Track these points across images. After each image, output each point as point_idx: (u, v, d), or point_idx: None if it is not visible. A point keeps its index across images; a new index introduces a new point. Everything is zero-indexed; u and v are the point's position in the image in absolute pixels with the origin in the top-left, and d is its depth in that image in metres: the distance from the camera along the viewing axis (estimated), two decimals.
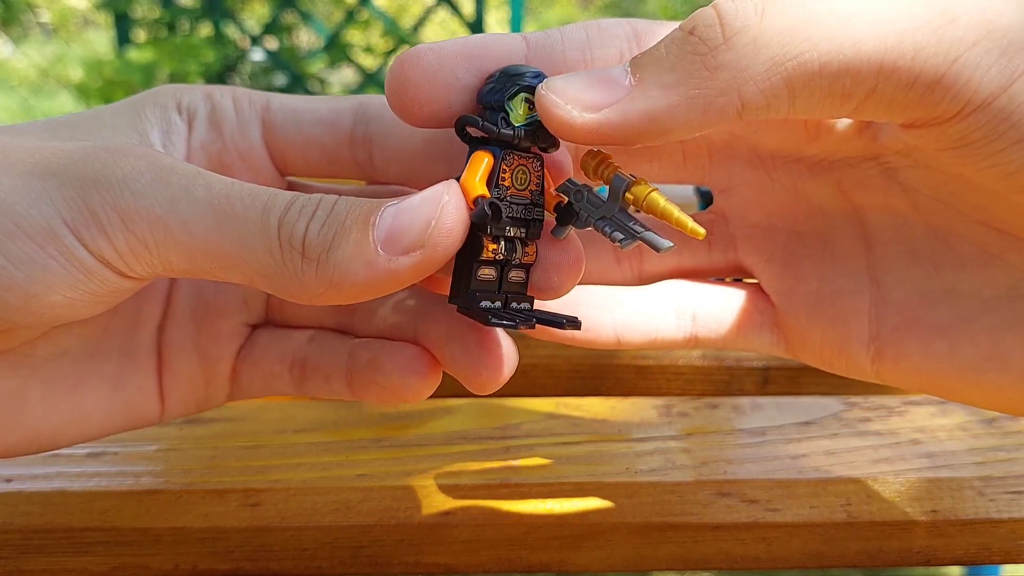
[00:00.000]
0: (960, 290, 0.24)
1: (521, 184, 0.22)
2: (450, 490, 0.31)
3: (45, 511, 0.30)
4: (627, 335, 0.26)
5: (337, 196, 0.20)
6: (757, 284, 0.27)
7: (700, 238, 0.19)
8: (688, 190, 0.41)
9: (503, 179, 0.21)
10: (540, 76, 0.21)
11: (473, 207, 0.20)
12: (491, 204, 0.20)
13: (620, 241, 0.21)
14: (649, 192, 0.20)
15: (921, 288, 0.24)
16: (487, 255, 0.21)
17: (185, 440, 0.33)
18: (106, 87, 2.37)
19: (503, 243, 0.22)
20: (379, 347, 0.25)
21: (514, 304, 0.22)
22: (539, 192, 0.22)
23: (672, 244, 0.20)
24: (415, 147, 0.25)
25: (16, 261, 0.19)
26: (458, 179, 0.21)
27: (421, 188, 0.21)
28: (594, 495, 0.31)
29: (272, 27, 2.55)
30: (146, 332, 0.26)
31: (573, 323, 0.23)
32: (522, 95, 0.21)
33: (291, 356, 0.26)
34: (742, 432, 0.34)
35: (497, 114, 0.21)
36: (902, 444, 0.33)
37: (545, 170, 0.22)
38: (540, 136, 0.21)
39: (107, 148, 0.20)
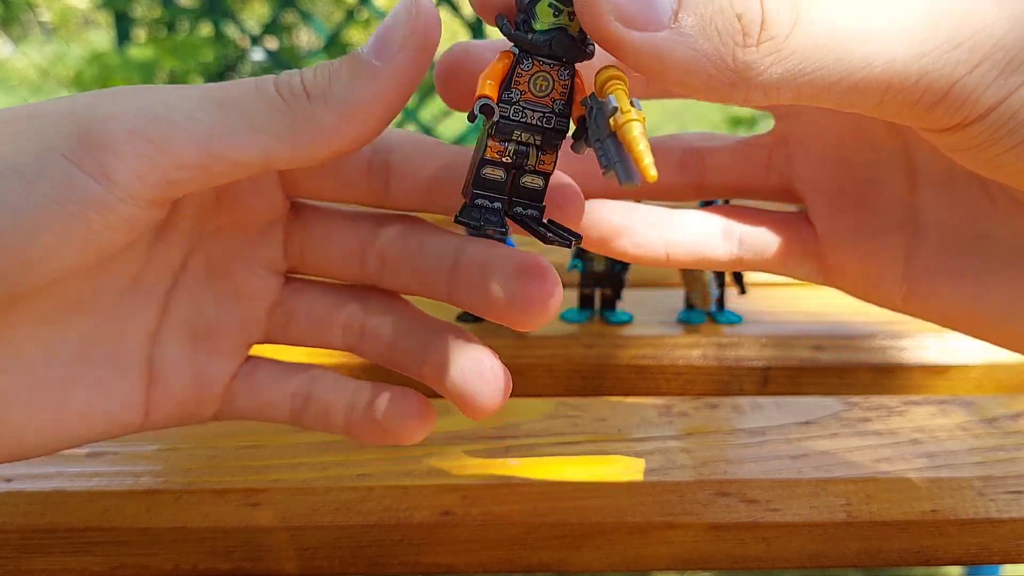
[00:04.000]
0: (994, 237, 0.25)
1: (540, 91, 0.22)
2: (450, 490, 0.31)
3: (45, 511, 0.30)
4: (676, 251, 0.27)
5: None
6: (804, 213, 0.28)
7: (650, 180, 0.19)
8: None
9: (517, 82, 0.22)
10: None
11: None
12: (483, 106, 0.21)
13: (602, 168, 0.21)
14: (626, 121, 0.20)
15: (957, 232, 0.25)
16: (491, 154, 0.22)
17: (185, 440, 0.33)
18: (103, 79, 2.36)
19: (511, 146, 0.22)
20: (380, 390, 0.26)
21: (518, 208, 0.23)
22: (564, 102, 0.22)
23: (636, 182, 0.20)
24: (432, 176, 0.25)
25: (3, 204, 0.19)
26: None
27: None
28: (594, 495, 0.31)
29: (272, 27, 2.55)
30: (136, 341, 0.25)
31: (573, 236, 0.23)
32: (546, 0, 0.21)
33: (293, 389, 0.27)
34: (742, 432, 0.34)
35: (522, 16, 0.21)
36: (902, 444, 0.33)
37: (577, 80, 0.22)
38: (560, 45, 0.21)
39: (98, 93, 0.21)
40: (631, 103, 0.19)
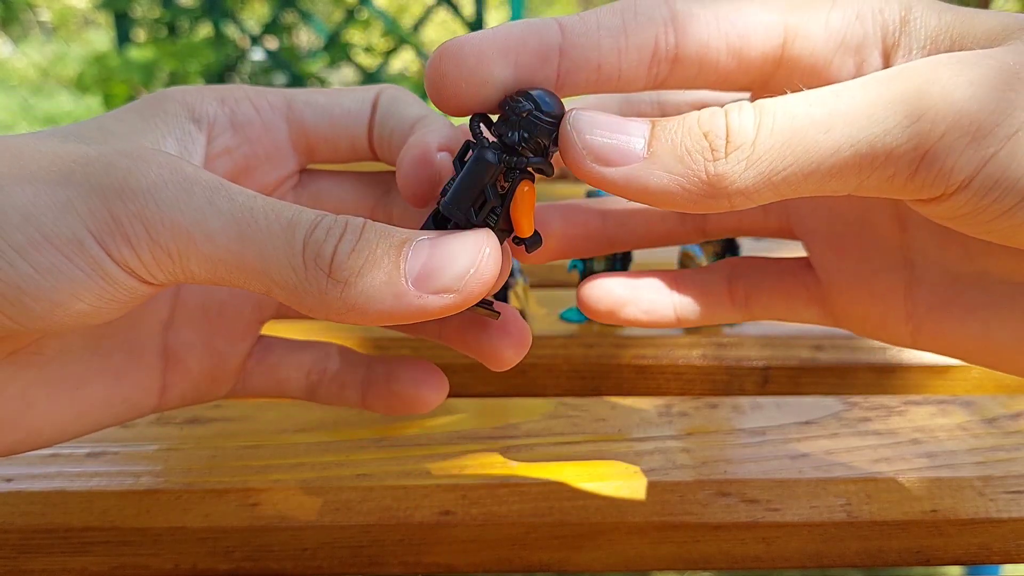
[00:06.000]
0: (992, 274, 0.24)
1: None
2: (450, 490, 0.31)
3: (45, 511, 0.30)
4: (684, 312, 0.29)
5: (364, 220, 0.21)
6: (807, 259, 0.29)
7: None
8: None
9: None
10: (556, 122, 0.21)
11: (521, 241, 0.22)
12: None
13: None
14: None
15: (953, 270, 0.25)
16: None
17: (185, 440, 0.33)
18: (103, 80, 2.36)
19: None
20: (396, 362, 0.28)
21: None
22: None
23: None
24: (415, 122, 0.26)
25: (44, 271, 0.19)
26: (452, 181, 0.22)
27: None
28: (594, 495, 0.31)
29: (272, 27, 2.56)
30: (150, 328, 0.26)
31: (494, 313, 0.24)
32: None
33: (309, 364, 0.28)
34: (742, 432, 0.34)
35: (517, 132, 0.21)
36: (902, 444, 0.33)
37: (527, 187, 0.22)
38: (543, 159, 0.22)
39: (128, 153, 0.20)
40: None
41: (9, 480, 0.31)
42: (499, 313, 0.24)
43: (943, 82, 0.19)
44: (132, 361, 0.26)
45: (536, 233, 0.23)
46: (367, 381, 0.28)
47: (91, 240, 0.19)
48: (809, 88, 0.20)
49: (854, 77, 0.21)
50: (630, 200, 0.21)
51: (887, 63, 0.22)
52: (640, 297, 0.28)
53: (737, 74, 0.23)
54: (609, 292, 0.28)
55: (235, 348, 0.27)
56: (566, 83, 0.22)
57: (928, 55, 0.21)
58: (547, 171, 0.22)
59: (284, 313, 0.28)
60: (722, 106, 0.20)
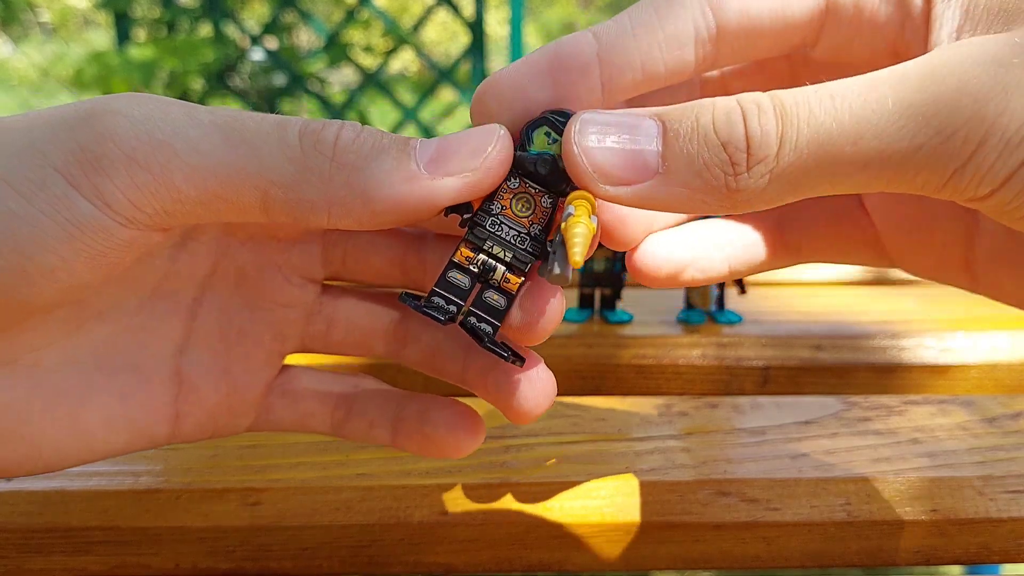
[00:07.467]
0: None
1: (521, 211, 0.22)
2: (450, 490, 0.31)
3: (45, 511, 0.30)
4: (737, 265, 0.27)
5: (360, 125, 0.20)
6: (860, 199, 0.28)
7: (575, 266, 0.19)
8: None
9: (501, 196, 0.22)
10: (565, 117, 0.21)
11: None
12: (465, 206, 0.21)
13: (541, 267, 0.22)
14: (572, 224, 0.20)
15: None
16: (460, 259, 0.22)
17: None
18: (103, 78, 2.36)
19: (480, 256, 0.22)
20: (429, 401, 0.25)
21: (472, 320, 0.22)
22: (541, 228, 0.22)
23: (561, 273, 0.21)
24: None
25: (1, 218, 0.18)
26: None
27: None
28: (594, 495, 0.31)
29: (272, 27, 2.56)
30: (161, 349, 0.24)
31: (516, 359, 0.22)
32: (544, 128, 0.21)
33: (335, 399, 0.26)
34: (742, 431, 0.34)
35: (521, 139, 0.22)
36: (902, 444, 0.33)
37: (558, 215, 0.22)
38: (545, 166, 0.21)
39: (100, 97, 0.19)
40: (589, 217, 0.20)
41: (9, 480, 0.31)
42: (523, 359, 0.23)
43: (975, 92, 0.18)
44: (140, 382, 0.24)
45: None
46: (398, 419, 0.25)
47: (56, 176, 0.18)
48: (832, 79, 0.19)
49: (898, 23, 0.21)
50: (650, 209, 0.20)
51: (928, 6, 0.21)
52: (698, 257, 0.26)
53: (787, 34, 0.22)
54: (670, 256, 0.26)
55: (255, 377, 0.25)
56: (612, 90, 0.22)
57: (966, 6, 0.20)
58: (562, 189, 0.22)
59: (308, 346, 0.26)
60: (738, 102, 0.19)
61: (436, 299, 0.22)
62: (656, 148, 0.19)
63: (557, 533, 0.30)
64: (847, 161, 0.19)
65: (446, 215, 0.21)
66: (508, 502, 0.30)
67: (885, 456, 0.32)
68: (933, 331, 0.43)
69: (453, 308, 0.22)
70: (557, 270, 0.20)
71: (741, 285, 0.46)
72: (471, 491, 0.31)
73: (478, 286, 0.22)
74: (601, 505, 0.30)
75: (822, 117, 0.18)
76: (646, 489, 0.31)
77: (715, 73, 0.26)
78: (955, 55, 0.19)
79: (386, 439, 0.26)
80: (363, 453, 0.32)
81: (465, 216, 0.21)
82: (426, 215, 0.20)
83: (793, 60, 0.25)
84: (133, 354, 0.24)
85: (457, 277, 0.22)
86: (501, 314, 0.22)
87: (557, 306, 0.22)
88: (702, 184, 0.19)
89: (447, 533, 0.30)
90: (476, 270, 0.22)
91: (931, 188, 0.19)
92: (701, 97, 0.26)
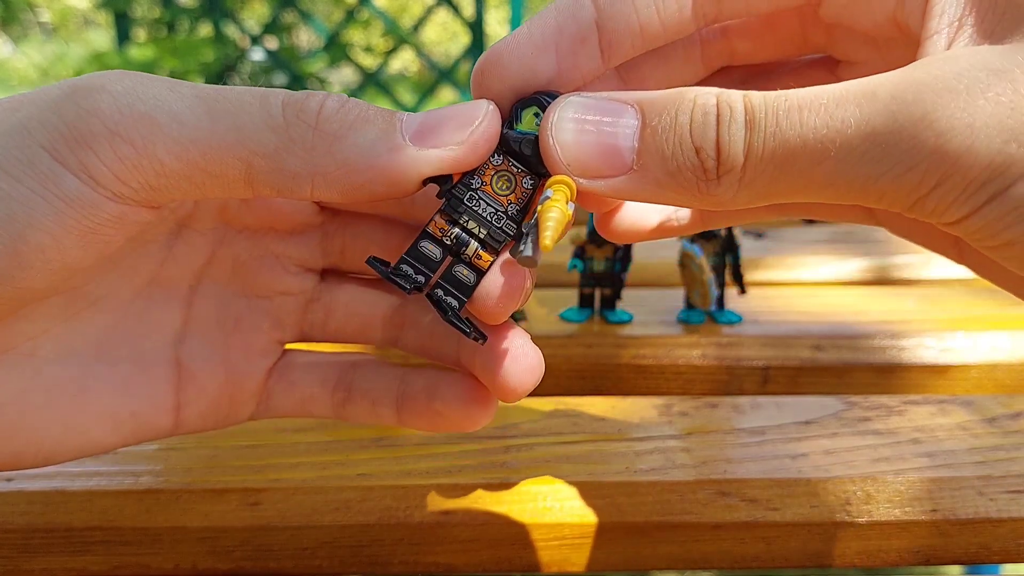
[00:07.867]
0: None
1: (500, 189, 0.22)
2: (450, 490, 0.31)
3: (45, 511, 0.30)
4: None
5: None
6: None
7: (544, 251, 0.19)
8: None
9: (483, 172, 0.22)
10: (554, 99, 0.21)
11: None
12: (446, 176, 0.21)
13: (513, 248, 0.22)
14: (547, 208, 0.20)
15: None
16: (434, 230, 0.22)
17: (185, 440, 0.33)
18: None
19: (455, 229, 0.22)
20: (436, 375, 0.25)
21: (439, 292, 0.22)
22: (519, 209, 0.22)
23: (529, 256, 0.20)
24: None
25: None
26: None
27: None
28: (594, 495, 0.31)
29: (272, 27, 2.56)
30: (159, 338, 0.24)
31: (480, 336, 0.22)
32: (533, 108, 0.21)
33: (335, 380, 0.26)
34: (742, 431, 0.34)
35: (510, 117, 0.22)
36: (902, 444, 0.33)
37: (537, 196, 0.22)
38: (528, 147, 0.21)
39: (85, 75, 0.20)
40: (566, 203, 0.20)
41: (9, 480, 0.31)
42: (485, 337, 0.23)
43: (940, 127, 0.17)
44: (141, 372, 0.24)
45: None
46: (403, 396, 0.25)
47: (43, 154, 0.18)
48: (842, 45, 0.19)
49: None
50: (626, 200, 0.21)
51: None
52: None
53: None
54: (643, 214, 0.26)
55: (254, 365, 0.25)
56: (612, 55, 0.22)
57: None
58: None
59: (306, 334, 0.26)
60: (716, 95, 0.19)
61: (405, 267, 0.22)
62: (632, 144, 0.20)
63: (557, 533, 0.30)
64: (811, 179, 0.18)
65: (424, 184, 0.21)
66: (508, 502, 0.30)
67: (885, 456, 0.32)
68: (933, 331, 0.43)
69: (421, 279, 0.22)
70: (528, 252, 0.20)
71: (741, 285, 0.46)
72: (471, 491, 0.31)
73: (448, 259, 0.22)
74: (601, 505, 0.30)
75: (788, 132, 0.18)
76: (646, 489, 0.31)
77: (720, 28, 0.26)
78: (928, 75, 0.18)
79: (391, 418, 0.25)
80: (363, 453, 0.33)
81: (444, 188, 0.21)
82: (410, 187, 0.20)
83: (804, 17, 0.25)
84: (132, 344, 0.24)
85: (429, 248, 0.22)
86: (469, 290, 0.22)
87: (520, 287, 0.22)
88: (675, 184, 0.19)
89: (447, 533, 0.30)
90: (449, 243, 0.22)
91: (899, 209, 0.19)
92: (702, 58, 0.26)
